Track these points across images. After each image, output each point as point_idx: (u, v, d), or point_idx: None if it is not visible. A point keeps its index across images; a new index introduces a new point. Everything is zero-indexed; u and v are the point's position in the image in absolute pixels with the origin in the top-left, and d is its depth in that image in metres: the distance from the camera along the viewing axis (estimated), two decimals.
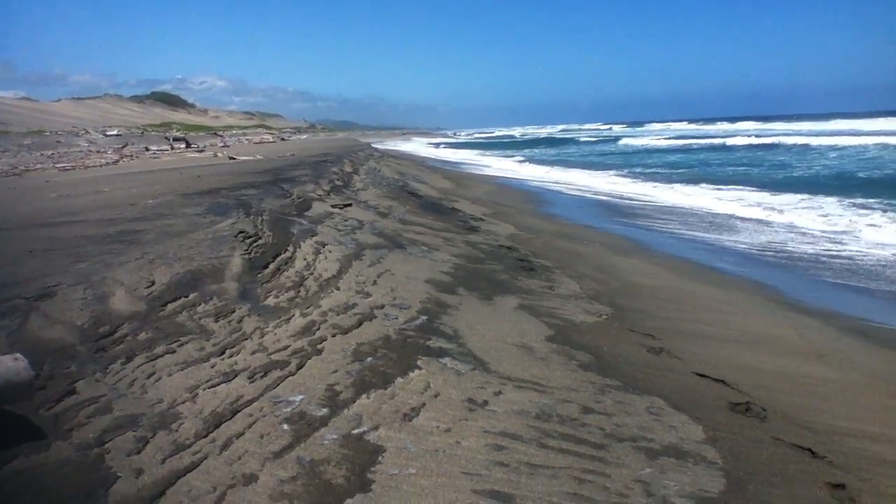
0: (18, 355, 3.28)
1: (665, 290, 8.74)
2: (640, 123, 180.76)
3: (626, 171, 33.33)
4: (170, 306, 5.10)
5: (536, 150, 63.10)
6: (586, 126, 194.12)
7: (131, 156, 31.93)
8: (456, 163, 44.09)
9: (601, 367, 5.48)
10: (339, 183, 16.53)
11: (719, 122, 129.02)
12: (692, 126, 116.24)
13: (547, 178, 30.81)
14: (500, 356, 5.47)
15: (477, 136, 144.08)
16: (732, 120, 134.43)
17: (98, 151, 35.37)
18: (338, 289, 6.70)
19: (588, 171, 34.32)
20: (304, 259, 7.45)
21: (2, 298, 4.63)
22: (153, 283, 5.34)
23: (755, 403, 4.97)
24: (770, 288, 9.30)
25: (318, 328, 5.47)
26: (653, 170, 33.25)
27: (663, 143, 59.86)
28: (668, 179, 27.52)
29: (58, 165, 24.64)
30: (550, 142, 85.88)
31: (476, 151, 65.77)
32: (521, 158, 49.63)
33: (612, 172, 33.06)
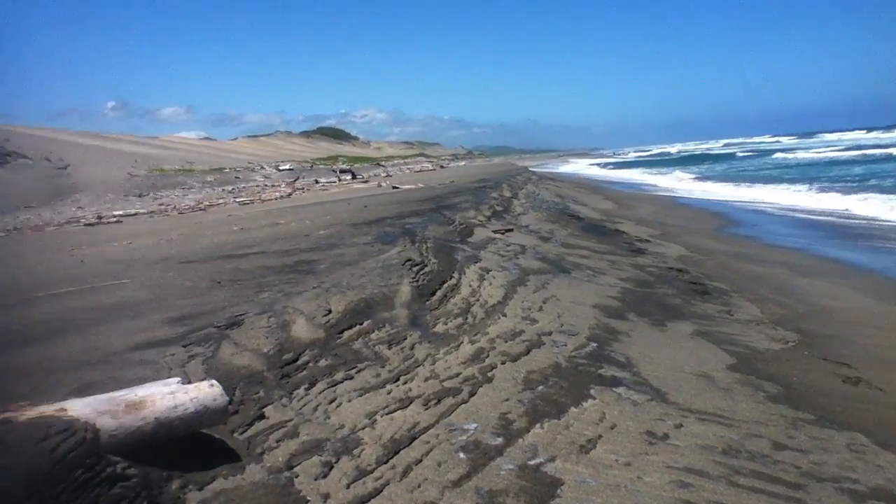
0: (214, 381, 3.46)
1: (858, 314, 8.03)
2: (811, 134, 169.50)
3: (803, 184, 31.22)
4: (346, 333, 5.25)
5: (701, 167, 60.59)
6: (753, 139, 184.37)
7: (303, 188, 33.76)
8: (616, 182, 43.29)
9: (792, 398, 5.08)
10: (498, 208, 16.61)
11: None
12: (871, 135, 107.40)
13: (715, 194, 29.52)
14: (678, 386, 5.21)
15: (634, 154, 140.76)
16: None
17: (272, 185, 37.72)
18: (504, 315, 6.67)
19: (760, 185, 32.59)
20: (470, 285, 7.48)
21: (197, 327, 4.96)
22: (330, 311, 5.53)
23: None
24: None
25: (487, 355, 5.45)
26: (837, 182, 30.95)
27: (842, 154, 55.61)
28: (852, 191, 25.51)
29: (237, 200, 26.46)
30: (714, 157, 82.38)
31: (637, 170, 64.19)
32: (687, 175, 47.97)
33: (785, 186, 31.20)
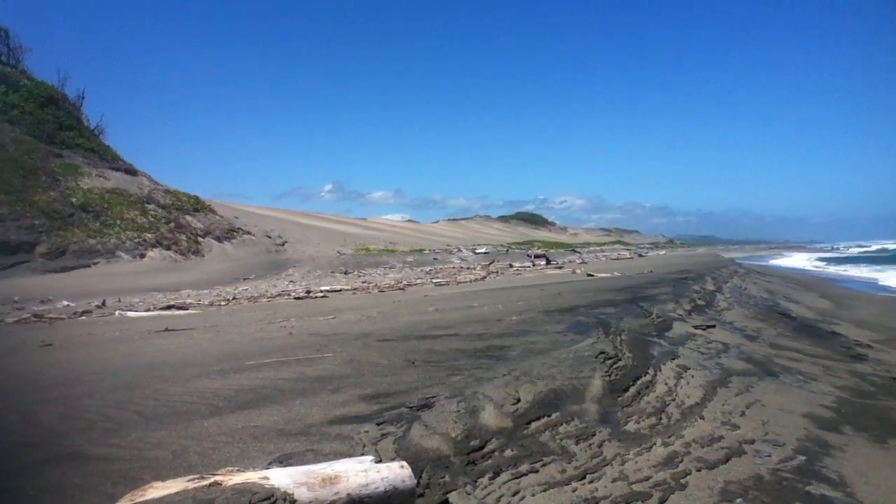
0: (404, 463, 3.56)
1: None
2: None
3: None
4: (533, 425, 5.21)
5: None
6: None
7: (497, 272, 34.37)
8: (834, 279, 40.09)
9: None
10: (700, 302, 15.92)
11: None
12: None
13: None
14: None
15: (856, 250, 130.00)
16: None
17: (468, 268, 38.73)
18: (702, 418, 6.31)
19: None
20: (666, 384, 7.19)
21: (391, 405, 5.14)
22: (519, 400, 5.53)
23: None
24: None
25: (682, 460, 5.17)
26: None
27: None
28: None
29: (434, 280, 27.40)
30: None
31: (857, 266, 59.09)
32: None
33: None
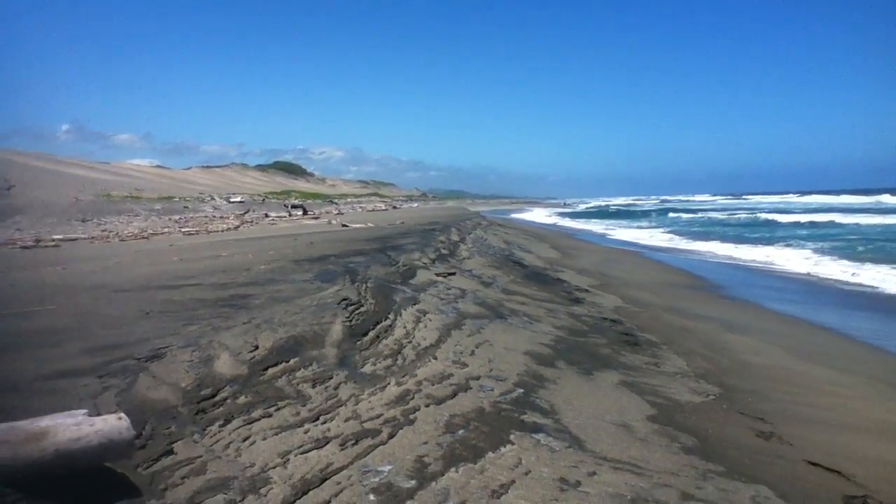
0: (122, 414, 3.43)
1: (779, 371, 8.28)
2: (740, 195, 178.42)
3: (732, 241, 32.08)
4: (270, 371, 5.23)
5: (642, 221, 61.93)
6: (696, 197, 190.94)
7: (251, 222, 33.52)
8: (565, 231, 43.93)
9: (705, 450, 5.21)
10: (444, 251, 16.72)
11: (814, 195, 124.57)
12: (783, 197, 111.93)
13: (658, 244, 30.15)
14: (597, 435, 5.30)
15: (584, 206, 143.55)
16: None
17: (221, 217, 37.35)
18: (435, 358, 6.71)
19: (688, 239, 33.38)
20: (404, 327, 7.52)
21: (115, 358, 4.89)
22: (256, 347, 5.51)
23: (873, 498, 4.60)
24: (886, 368, 8.68)
25: (413, 398, 5.48)
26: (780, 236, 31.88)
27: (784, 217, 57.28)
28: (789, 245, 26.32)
29: (183, 230, 26.12)
30: (658, 211, 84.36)
31: (586, 221, 65.34)
32: (630, 227, 48.98)
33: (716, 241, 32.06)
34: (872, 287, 16.41)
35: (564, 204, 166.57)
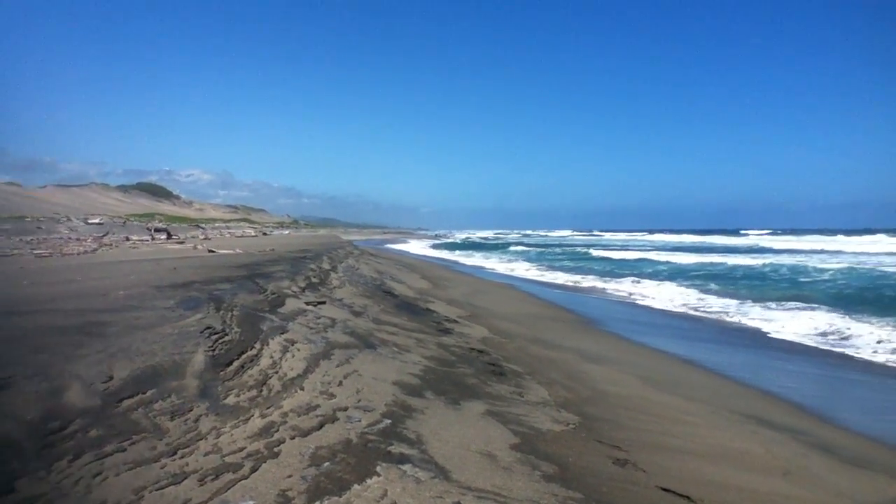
0: None
1: (634, 400, 8.70)
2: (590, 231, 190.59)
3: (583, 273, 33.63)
4: (125, 402, 4.99)
5: (515, 251, 63.72)
6: (558, 232, 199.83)
7: (111, 245, 31.86)
8: (436, 262, 44.42)
9: (565, 478, 5.38)
10: (315, 280, 16.53)
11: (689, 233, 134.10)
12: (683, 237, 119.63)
13: (524, 276, 31.04)
14: (462, 464, 5.37)
15: (460, 236, 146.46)
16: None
17: (78, 239, 35.28)
18: (302, 389, 6.61)
19: (557, 273, 34.68)
20: (271, 357, 7.37)
21: None
22: (111, 377, 5.25)
23: None
24: (738, 399, 9.30)
25: (277, 430, 5.37)
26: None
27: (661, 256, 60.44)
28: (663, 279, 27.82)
29: (35, 251, 24.49)
30: (524, 244, 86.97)
31: (457, 252, 66.47)
32: (506, 259, 50.18)
33: (590, 276, 33.47)
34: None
35: (436, 235, 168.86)
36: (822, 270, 31.60)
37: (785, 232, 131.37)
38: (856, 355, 13.20)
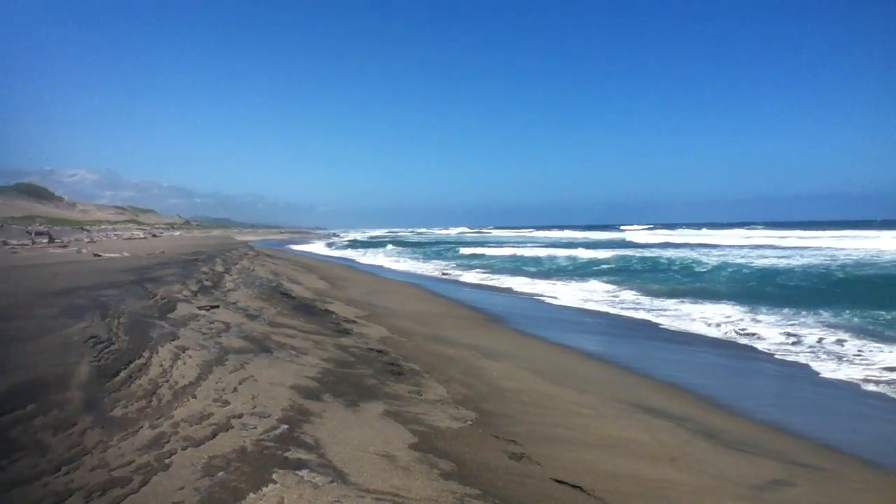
0: None
1: (529, 394, 8.90)
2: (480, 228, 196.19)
3: (454, 262, 34.20)
4: (3, 419, 4.74)
5: (416, 250, 64.00)
6: (454, 230, 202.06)
7: None
8: (335, 261, 44.03)
9: (463, 475, 5.46)
10: (208, 283, 16.11)
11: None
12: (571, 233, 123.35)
13: (424, 273, 31.22)
14: (361, 466, 5.36)
15: (355, 235, 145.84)
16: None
17: None
18: (194, 397, 6.43)
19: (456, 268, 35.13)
20: (161, 365, 7.14)
21: None
22: None
23: None
24: (628, 390, 9.68)
25: (168, 441, 5.21)
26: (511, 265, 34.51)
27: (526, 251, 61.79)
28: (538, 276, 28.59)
29: None
30: (423, 243, 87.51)
31: (355, 251, 66.19)
32: (403, 257, 50.24)
33: (477, 270, 33.99)
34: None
35: (334, 234, 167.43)
36: (706, 264, 33.14)
37: (660, 227, 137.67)
38: (744, 343, 13.96)
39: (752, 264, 31.95)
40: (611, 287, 25.55)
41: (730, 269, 30.04)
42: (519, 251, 50.97)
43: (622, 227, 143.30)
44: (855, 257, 34.81)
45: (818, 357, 12.31)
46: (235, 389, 6.98)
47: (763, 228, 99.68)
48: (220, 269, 21.26)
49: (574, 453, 6.59)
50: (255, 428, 5.88)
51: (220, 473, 4.77)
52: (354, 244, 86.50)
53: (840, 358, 12.16)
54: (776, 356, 12.66)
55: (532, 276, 32.23)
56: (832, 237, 58.78)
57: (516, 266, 38.76)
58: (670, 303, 20.64)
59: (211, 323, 10.47)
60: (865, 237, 55.27)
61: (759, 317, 17.28)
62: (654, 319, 17.45)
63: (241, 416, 6.16)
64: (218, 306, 12.36)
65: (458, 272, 35.35)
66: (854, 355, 12.35)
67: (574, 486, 5.55)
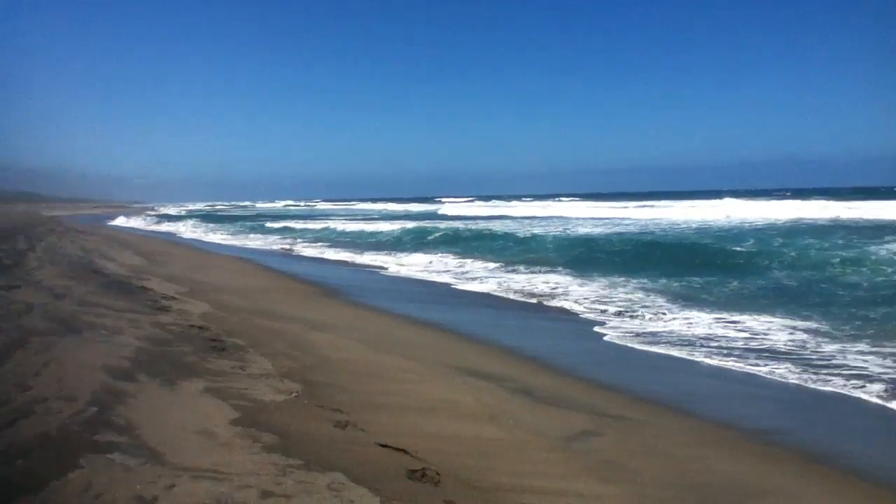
0: None
1: (357, 364, 8.96)
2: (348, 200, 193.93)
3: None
4: None
5: (237, 224, 62.07)
6: (280, 203, 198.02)
7: None
8: (153, 235, 41.86)
9: (286, 446, 5.42)
10: (8, 262, 14.82)
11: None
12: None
13: (253, 246, 30.41)
14: (179, 445, 5.19)
15: (179, 209, 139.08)
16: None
17: None
18: None
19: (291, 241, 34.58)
20: None
21: None
22: None
23: (431, 469, 5.24)
24: (453, 354, 9.99)
25: None
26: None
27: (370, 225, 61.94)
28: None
29: None
30: (252, 216, 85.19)
31: (180, 223, 63.20)
32: (224, 232, 48.61)
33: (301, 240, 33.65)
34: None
35: (154, 208, 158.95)
36: (531, 234, 34.63)
37: (479, 199, 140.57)
38: (565, 307, 14.76)
39: (572, 233, 33.83)
40: (448, 258, 26.06)
41: (553, 238, 31.52)
42: (351, 225, 50.61)
43: (442, 199, 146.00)
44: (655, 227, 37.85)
45: (624, 318, 13.30)
46: (38, 374, 6.52)
47: (579, 200, 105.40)
48: (22, 246, 19.62)
49: (399, 418, 6.72)
50: (61, 412, 5.53)
51: (20, 461, 4.46)
52: (171, 217, 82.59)
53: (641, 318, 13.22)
54: (591, 317, 13.51)
55: (364, 248, 32.28)
56: (637, 207, 63.41)
57: (348, 240, 38.68)
58: (501, 270, 21.41)
59: (11, 304, 9.67)
60: (669, 207, 60.30)
61: (583, 281, 18.36)
62: (482, 288, 18.02)
63: (45, 400, 5.77)
64: (19, 286, 11.42)
65: (291, 245, 34.74)
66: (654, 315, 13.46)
67: (398, 449, 5.67)
